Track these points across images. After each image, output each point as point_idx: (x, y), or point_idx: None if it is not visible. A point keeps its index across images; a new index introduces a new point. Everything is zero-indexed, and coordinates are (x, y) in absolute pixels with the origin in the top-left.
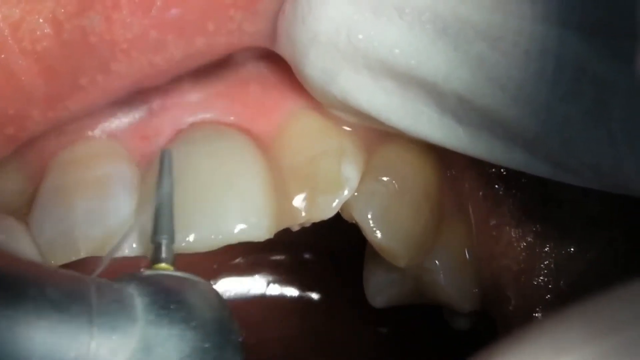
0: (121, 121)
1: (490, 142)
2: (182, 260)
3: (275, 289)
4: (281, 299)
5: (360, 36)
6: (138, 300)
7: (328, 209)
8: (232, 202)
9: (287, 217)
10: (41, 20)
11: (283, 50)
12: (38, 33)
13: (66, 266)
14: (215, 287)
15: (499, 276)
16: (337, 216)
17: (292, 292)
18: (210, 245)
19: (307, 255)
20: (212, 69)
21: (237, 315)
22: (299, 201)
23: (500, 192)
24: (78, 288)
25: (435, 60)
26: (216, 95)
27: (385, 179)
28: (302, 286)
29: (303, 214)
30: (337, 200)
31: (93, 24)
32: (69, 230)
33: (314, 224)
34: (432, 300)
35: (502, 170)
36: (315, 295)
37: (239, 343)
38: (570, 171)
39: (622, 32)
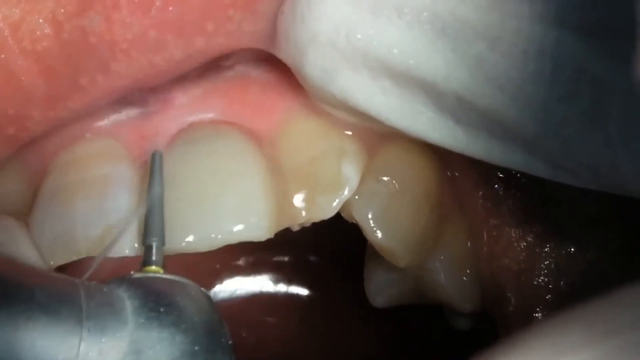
0: (121, 121)
1: (489, 142)
2: (182, 261)
3: (276, 289)
4: (281, 299)
5: (359, 36)
6: (128, 303)
7: (328, 208)
8: (232, 202)
9: (287, 217)
10: (41, 21)
11: (282, 50)
12: (38, 33)
13: (66, 266)
14: (216, 287)
15: (499, 276)
16: (338, 216)
17: (292, 292)
18: (210, 245)
19: (307, 255)
20: (212, 68)
21: (238, 315)
22: (299, 201)
23: (500, 192)
24: (68, 291)
25: (434, 61)
26: (216, 95)
27: (385, 179)
28: (303, 286)
29: (303, 213)
30: (337, 200)
31: (93, 24)
32: (69, 230)
33: (315, 224)
34: (433, 300)
35: (501, 170)
36: (315, 295)
37: (229, 346)
38: (568, 171)
39: (620, 32)
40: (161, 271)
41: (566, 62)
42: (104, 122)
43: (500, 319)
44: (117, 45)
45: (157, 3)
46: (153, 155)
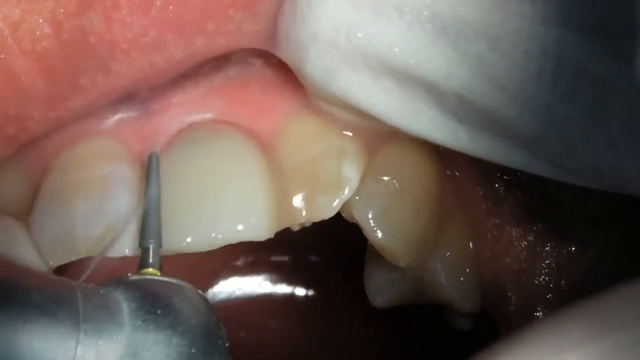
0: (121, 121)
1: (491, 141)
2: (182, 261)
3: (276, 289)
4: (282, 299)
5: (360, 35)
6: (125, 306)
7: (328, 208)
8: (232, 201)
9: (287, 217)
10: (41, 21)
11: (282, 50)
12: (38, 33)
13: (66, 266)
14: (215, 287)
15: (499, 276)
16: (338, 216)
17: (292, 292)
18: (211, 245)
19: (307, 256)
20: (212, 68)
21: (237, 316)
22: (299, 201)
23: (501, 192)
24: (65, 293)
25: (435, 60)
26: (216, 95)
27: (385, 178)
28: (303, 286)
29: (303, 213)
30: (337, 200)
31: (93, 24)
32: (69, 230)
33: (315, 224)
34: (433, 301)
35: (502, 169)
36: (316, 295)
37: (226, 348)
38: (570, 171)
39: (622, 32)
40: (158, 273)
41: (568, 62)
42: (104, 122)
43: (501, 318)
44: (117, 45)
45: (157, 3)
46: (149, 157)
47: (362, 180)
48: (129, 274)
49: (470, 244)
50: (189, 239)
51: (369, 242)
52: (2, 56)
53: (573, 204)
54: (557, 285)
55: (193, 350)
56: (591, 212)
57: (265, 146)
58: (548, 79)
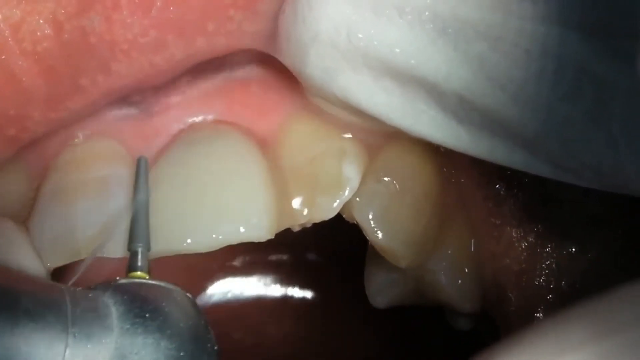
0: (121, 121)
1: (491, 141)
2: (182, 261)
3: (276, 289)
4: (282, 300)
5: (361, 35)
6: (113, 309)
7: (329, 209)
8: (232, 202)
9: (287, 217)
10: (41, 21)
11: (283, 50)
12: (38, 34)
13: (64, 268)
14: (213, 288)
15: (500, 276)
16: (338, 216)
17: (292, 292)
18: (211, 246)
19: (308, 256)
20: (212, 69)
21: (237, 316)
22: (299, 201)
23: (501, 192)
24: (53, 297)
25: (436, 60)
26: (216, 95)
27: (386, 179)
28: (303, 286)
29: (304, 214)
30: (338, 201)
31: (93, 24)
32: (69, 232)
33: (315, 224)
34: (433, 301)
35: (503, 170)
36: (316, 296)
37: (215, 351)
38: (570, 171)
39: (622, 32)
40: (147, 277)
41: (569, 62)
42: (104, 123)
43: (501, 319)
44: (118, 46)
45: (158, 3)
46: (138, 161)
47: (363, 180)
48: (117, 278)
49: (471, 245)
50: (189, 240)
51: (369, 243)
52: (3, 57)
53: (573, 205)
54: (557, 286)
55: (181, 354)
56: (591, 213)
57: (266, 147)
58: (549, 79)
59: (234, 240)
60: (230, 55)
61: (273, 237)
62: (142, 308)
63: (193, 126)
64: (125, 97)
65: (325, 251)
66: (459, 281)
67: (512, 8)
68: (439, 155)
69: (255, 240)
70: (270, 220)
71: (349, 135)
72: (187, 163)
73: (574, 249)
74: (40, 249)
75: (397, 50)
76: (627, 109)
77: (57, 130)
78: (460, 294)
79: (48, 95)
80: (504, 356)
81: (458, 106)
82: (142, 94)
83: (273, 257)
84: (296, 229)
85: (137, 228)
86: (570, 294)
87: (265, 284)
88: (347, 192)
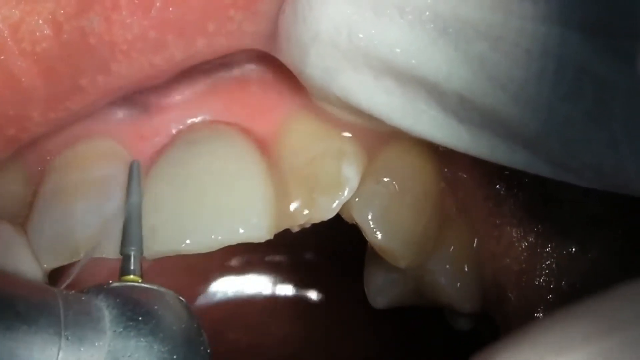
0: (121, 121)
1: (492, 141)
2: (181, 261)
3: (275, 290)
4: (281, 300)
5: (361, 35)
6: (106, 312)
7: (328, 209)
8: (232, 202)
9: (287, 217)
10: (41, 22)
11: (283, 50)
12: (38, 34)
13: (63, 268)
14: (214, 287)
15: (500, 276)
16: (338, 217)
17: (292, 292)
18: (211, 246)
19: (307, 256)
20: (212, 69)
21: (236, 316)
22: (299, 202)
23: (502, 192)
24: (46, 300)
25: (436, 60)
26: (216, 95)
27: (385, 179)
28: (303, 287)
29: (303, 214)
30: (337, 201)
31: (93, 24)
32: (68, 232)
33: (315, 225)
34: (433, 301)
35: (503, 170)
36: (315, 296)
37: (208, 354)
38: (571, 171)
39: (622, 32)
40: (139, 280)
41: (569, 62)
42: (103, 123)
43: (501, 319)
44: (117, 46)
45: (157, 4)
46: (131, 165)
47: (362, 181)
48: (110, 281)
49: (471, 245)
50: (188, 240)
51: (369, 243)
52: (2, 57)
53: (573, 204)
54: (557, 286)
55: (174, 357)
56: (591, 213)
57: (265, 147)
58: (549, 79)
59: (234, 240)
60: (230, 55)
61: (272, 237)
62: (134, 311)
63: (192, 126)
64: (125, 98)
65: (324, 251)
66: (459, 281)
67: (513, 8)
68: (439, 156)
69: (255, 240)
70: (269, 220)
71: (349, 135)
72: (187, 163)
73: (574, 249)
74: (39, 249)
75: (398, 50)
76: (628, 108)
77: (56, 130)
78: (460, 294)
79: (47, 96)
80: (505, 355)
81: (459, 106)
82: (141, 94)
83: (272, 258)
84: (295, 229)
85: (130, 232)
86: (570, 293)
87: (264, 284)
88: (346, 193)
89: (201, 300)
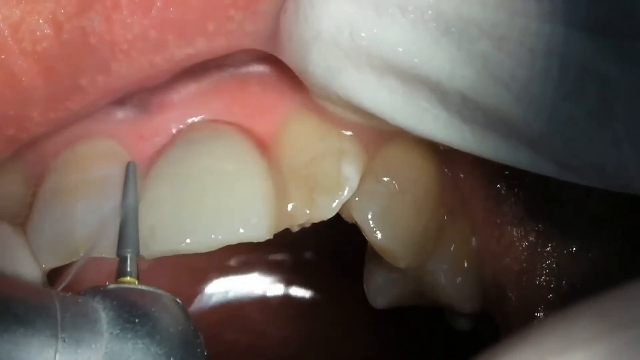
0: (121, 121)
1: (495, 141)
2: (180, 261)
3: (275, 290)
4: (281, 300)
5: (363, 34)
6: (103, 314)
7: (328, 209)
8: (231, 202)
9: (287, 217)
10: (41, 21)
11: (285, 49)
12: (38, 34)
13: (62, 268)
14: (213, 287)
15: (500, 276)
16: (338, 216)
17: (291, 292)
18: (210, 246)
19: (307, 256)
20: (212, 68)
21: (235, 316)
22: (299, 201)
23: (502, 192)
24: (43, 302)
25: (439, 59)
26: (216, 95)
27: (385, 179)
28: (302, 287)
29: (303, 214)
30: (337, 201)
31: (93, 24)
32: (68, 232)
33: (314, 224)
34: (433, 301)
35: (504, 169)
36: (315, 296)
37: (204, 357)
38: (574, 170)
39: (626, 31)
40: (136, 282)
41: (573, 61)
42: (103, 123)
43: (501, 318)
44: (118, 46)
45: (158, 3)
46: (127, 167)
47: (362, 180)
48: (107, 283)
49: (471, 244)
50: (188, 240)
51: (369, 243)
52: (2, 57)
53: (575, 204)
54: (558, 286)
55: (171, 359)
56: (593, 212)
57: (265, 146)
58: (553, 78)
59: (234, 240)
60: (230, 55)
61: (272, 237)
62: (131, 313)
63: (192, 126)
64: (125, 97)
65: (324, 251)
66: (459, 281)
67: (517, 7)
68: (439, 155)
69: (255, 240)
70: (269, 220)
71: (349, 134)
72: (187, 163)
73: (575, 249)
74: (38, 249)
75: (400, 49)
76: (631, 108)
77: (56, 130)
78: (460, 294)
79: (47, 95)
80: (507, 355)
81: (462, 105)
82: (141, 94)
83: (272, 257)
84: (295, 229)
85: (126, 233)
86: (570, 293)
87: (264, 284)
88: (346, 192)
89: (200, 300)
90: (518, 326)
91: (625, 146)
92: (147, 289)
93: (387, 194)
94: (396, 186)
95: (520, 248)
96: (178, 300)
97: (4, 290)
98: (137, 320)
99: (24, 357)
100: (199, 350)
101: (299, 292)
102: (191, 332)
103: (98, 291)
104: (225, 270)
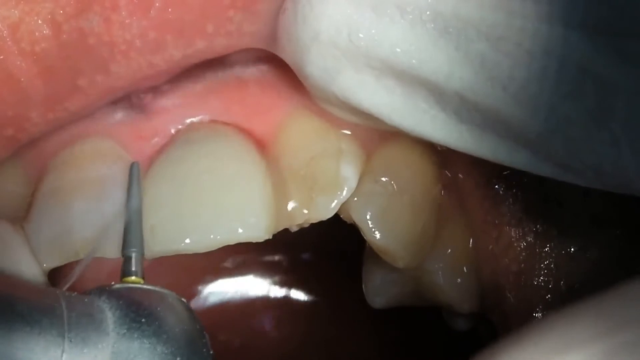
0: (119, 122)
1: (494, 141)
2: (179, 261)
3: (274, 290)
4: (279, 300)
5: (362, 35)
6: (109, 314)
7: (327, 209)
8: (230, 202)
9: (285, 217)
10: (40, 22)
11: (283, 50)
12: (37, 34)
13: (62, 268)
14: (211, 287)
15: (498, 276)
16: (336, 216)
17: (290, 293)
18: (209, 246)
19: (305, 256)
20: (210, 69)
21: (234, 317)
22: (297, 202)
23: (500, 192)
24: (49, 302)
25: (437, 60)
26: (215, 95)
27: (384, 179)
28: (301, 287)
29: (302, 214)
30: (335, 201)
31: (92, 25)
32: (67, 232)
33: (313, 224)
34: (432, 301)
35: (502, 170)
36: (314, 296)
37: (210, 356)
38: (573, 171)
39: (624, 31)
40: (141, 281)
41: (571, 61)
42: (102, 123)
43: (500, 319)
44: (116, 47)
45: (157, 4)
46: (131, 167)
47: (361, 180)
48: (112, 283)
49: (469, 245)
50: (187, 240)
51: (367, 243)
52: (1, 57)
53: (573, 204)
54: (556, 286)
55: (177, 359)
56: (591, 212)
57: (264, 146)
58: (551, 79)
59: (232, 240)
60: (229, 55)
61: (271, 237)
62: (138, 313)
63: (191, 126)
64: (124, 98)
65: (323, 251)
66: (458, 281)
67: (514, 7)
68: (438, 155)
69: (254, 240)
70: (268, 220)
71: (347, 134)
72: (186, 163)
73: (573, 249)
74: (38, 249)
75: (399, 49)
76: (629, 108)
77: (55, 130)
78: (459, 294)
79: (46, 96)
80: (507, 355)
81: (460, 106)
82: (140, 94)
83: (271, 257)
84: (294, 229)
85: (131, 233)
86: (569, 294)
87: (262, 285)
88: (345, 192)
89: (196, 302)
90: (516, 326)
91: (623, 146)
92: (152, 288)
93: (386, 194)
94: (395, 186)
95: (519, 248)
96: (183, 299)
97: (9, 290)
98: (143, 319)
99: (31, 357)
100: (204, 349)
101: (298, 292)
102: (197, 331)
103: (104, 291)
104: (223, 271)
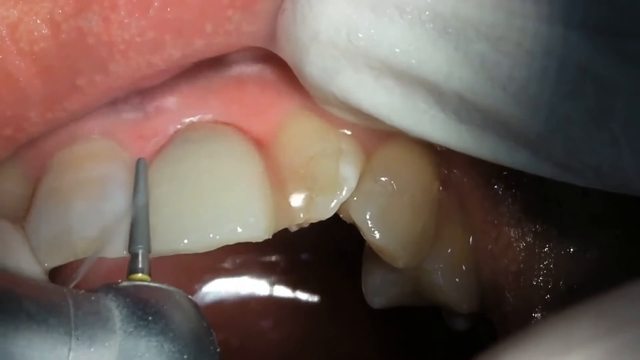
0: (119, 121)
1: (494, 142)
2: (179, 261)
3: (273, 290)
4: (279, 300)
5: (361, 35)
6: (116, 312)
7: (326, 209)
8: (230, 202)
9: (285, 217)
10: (39, 21)
11: (282, 50)
12: (36, 34)
13: (62, 268)
14: (210, 287)
15: (498, 276)
16: (336, 216)
17: (289, 292)
18: (208, 246)
19: (305, 256)
20: (210, 68)
21: (233, 317)
22: (297, 201)
23: (500, 192)
24: (55, 300)
25: (436, 60)
26: (214, 95)
27: (383, 179)
28: (300, 287)
29: (301, 214)
30: (335, 201)
31: (91, 24)
32: (66, 232)
33: (313, 224)
34: (431, 301)
35: (501, 170)
36: (313, 296)
37: (217, 354)
38: (572, 171)
39: (625, 31)
40: (148, 279)
41: (571, 61)
42: (101, 123)
43: (499, 319)
44: (115, 46)
45: (155, 4)
46: (137, 163)
47: (360, 180)
48: (119, 281)
49: (469, 245)
50: (186, 240)
51: (367, 243)
52: (0, 57)
53: (573, 204)
54: (555, 286)
55: (185, 357)
56: (591, 212)
57: (263, 146)
58: (551, 79)
59: (232, 240)
60: (228, 55)
61: (270, 237)
62: (145, 311)
63: (190, 126)
64: (123, 98)
65: (322, 251)
66: (457, 281)
67: (514, 7)
68: (437, 155)
69: (253, 240)
70: (267, 220)
71: (347, 134)
72: (185, 163)
73: (572, 249)
74: (37, 249)
75: (398, 50)
76: (629, 108)
77: (54, 130)
78: (458, 294)
79: (45, 96)
80: (507, 356)
81: (459, 106)
82: (139, 94)
83: (270, 257)
84: (293, 228)
85: (138, 230)
86: (568, 294)
87: (261, 285)
88: (344, 192)
89: (197, 301)
90: (516, 327)
91: (623, 147)
92: (160, 286)
93: (385, 194)
94: (394, 186)
95: (518, 249)
96: (190, 297)
97: (16, 288)
98: (150, 317)
99: (38, 356)
100: (212, 347)
101: (297, 292)
102: (204, 329)
103: (111, 288)
104: (222, 271)
